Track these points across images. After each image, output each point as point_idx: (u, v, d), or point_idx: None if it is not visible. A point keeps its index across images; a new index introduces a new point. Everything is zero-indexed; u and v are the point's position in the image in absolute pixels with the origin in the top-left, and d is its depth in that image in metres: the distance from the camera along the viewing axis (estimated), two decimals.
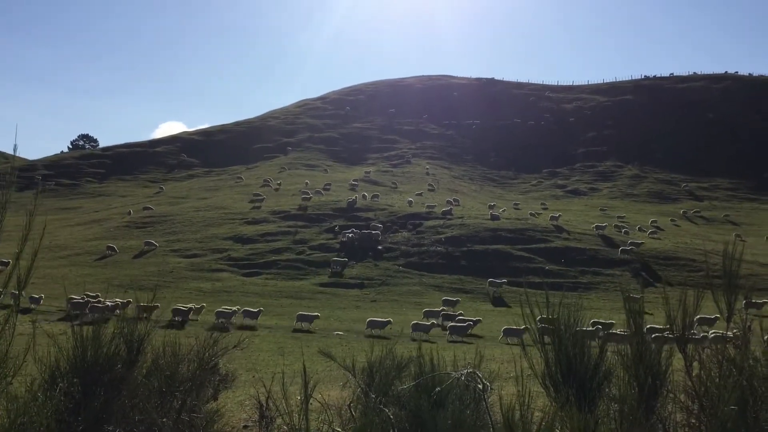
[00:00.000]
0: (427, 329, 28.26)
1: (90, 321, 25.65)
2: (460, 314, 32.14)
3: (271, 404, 4.48)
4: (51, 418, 3.74)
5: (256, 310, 30.40)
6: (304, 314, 29.72)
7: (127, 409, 4.24)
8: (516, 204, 72.96)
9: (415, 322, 29.35)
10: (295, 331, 28.39)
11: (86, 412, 4.01)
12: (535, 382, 3.86)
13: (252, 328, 28.27)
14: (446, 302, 35.91)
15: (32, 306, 30.84)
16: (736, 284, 3.78)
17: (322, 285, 42.59)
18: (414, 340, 26.25)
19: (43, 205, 74.48)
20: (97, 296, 32.12)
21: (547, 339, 3.92)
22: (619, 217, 67.69)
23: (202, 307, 31.81)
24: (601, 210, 73.15)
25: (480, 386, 3.70)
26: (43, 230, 3.75)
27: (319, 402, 4.08)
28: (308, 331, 28.32)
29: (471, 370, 3.82)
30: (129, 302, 29.62)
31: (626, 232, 55.69)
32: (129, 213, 63.70)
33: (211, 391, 5.24)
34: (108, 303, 29.37)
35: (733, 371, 3.39)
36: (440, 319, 31.45)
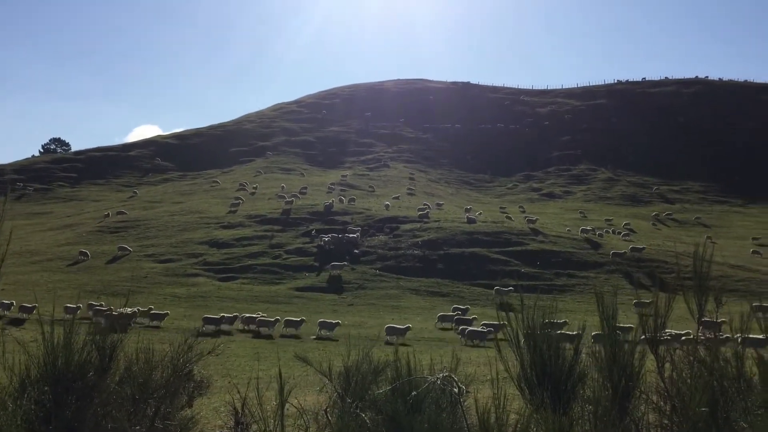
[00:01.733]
0: (402, 332, 28.21)
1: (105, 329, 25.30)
2: (475, 318, 31.92)
3: (246, 410, 4.44)
4: (21, 427, 3.67)
5: (299, 320, 29.68)
6: (326, 322, 29.47)
7: (100, 418, 4.17)
8: (502, 208, 73.20)
9: (390, 325, 29.22)
10: (319, 339, 27.90)
11: (57, 420, 3.94)
12: (511, 384, 3.88)
13: (296, 337, 27.85)
14: (456, 310, 35.13)
15: (4, 312, 30.25)
16: (707, 285, 3.84)
17: (298, 289, 42.41)
18: (390, 343, 26.23)
19: (13, 209, 73.15)
20: (101, 305, 31.42)
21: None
22: (607, 219, 68.60)
23: (235, 316, 30.75)
24: (580, 213, 73.90)
25: (456, 390, 3.71)
26: (9, 235, 3.68)
27: (295, 407, 4.05)
28: (330, 339, 27.86)
29: (447, 374, 3.83)
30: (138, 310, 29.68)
31: (600, 235, 56.31)
32: (107, 215, 62.85)
33: (185, 397, 5.18)
34: (128, 310, 29.27)
35: (704, 372, 3.45)
36: (454, 324, 31.66)
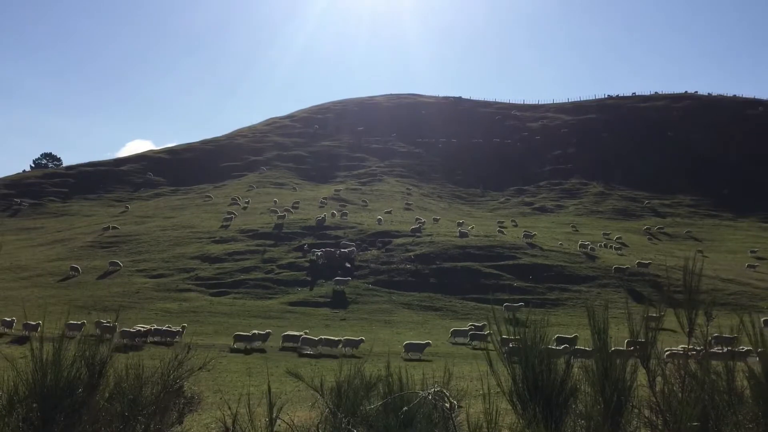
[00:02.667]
0: (421, 348, 28.24)
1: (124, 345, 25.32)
2: (490, 333, 31.73)
3: (237, 427, 4.40)
4: None
5: (358, 339, 29.24)
6: (350, 339, 29.23)
7: None
8: (500, 222, 73.72)
9: (409, 342, 28.86)
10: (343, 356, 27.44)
11: None
12: (503, 399, 3.87)
13: (356, 357, 27.05)
14: (472, 327, 34.90)
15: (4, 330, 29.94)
16: (697, 299, 3.86)
17: (291, 304, 42.26)
18: (411, 360, 26.06)
19: (4, 224, 72.77)
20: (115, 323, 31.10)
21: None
22: (604, 234, 68.76)
23: (268, 333, 30.18)
24: (572, 227, 74.06)
25: (447, 405, 3.70)
26: None
27: (287, 423, 4.03)
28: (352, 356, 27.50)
29: (439, 388, 3.81)
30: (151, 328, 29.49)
31: (593, 249, 56.34)
32: (108, 228, 62.67)
33: (175, 414, 5.14)
34: (169, 327, 29.70)
35: (695, 386, 3.45)
36: (468, 338, 31.78)
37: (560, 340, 27.16)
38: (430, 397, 3.73)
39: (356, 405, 4.09)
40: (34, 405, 3.99)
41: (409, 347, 27.89)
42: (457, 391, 4.65)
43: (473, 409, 4.44)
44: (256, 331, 29.80)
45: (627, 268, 48.85)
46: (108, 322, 29.42)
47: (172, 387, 4.81)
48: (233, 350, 27.77)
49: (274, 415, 3.55)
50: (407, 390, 3.94)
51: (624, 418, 3.62)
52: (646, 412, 3.65)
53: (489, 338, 29.33)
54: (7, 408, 3.97)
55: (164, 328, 30.53)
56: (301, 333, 30.07)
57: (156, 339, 29.84)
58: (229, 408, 4.38)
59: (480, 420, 3.37)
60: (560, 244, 57.15)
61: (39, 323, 29.53)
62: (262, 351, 28.35)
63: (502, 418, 3.55)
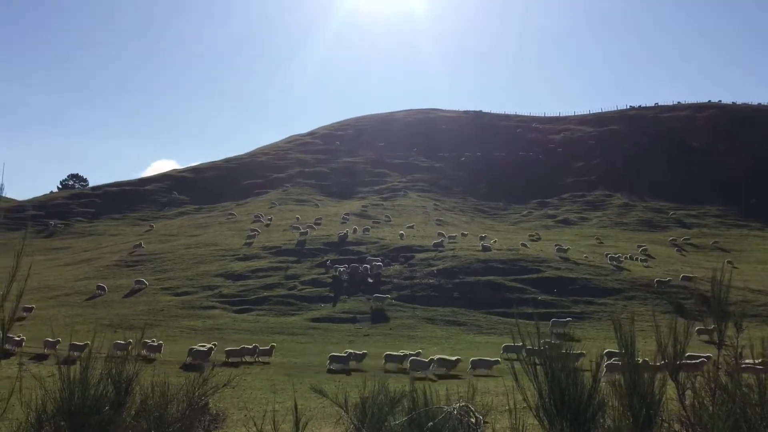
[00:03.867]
0: (400, 360, 28.41)
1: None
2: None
3: None
4: None
5: (454, 359, 28.02)
6: (392, 354, 29.05)
7: None
8: (531, 235, 74.31)
9: (439, 356, 28.45)
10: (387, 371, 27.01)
11: None
12: (529, 414, 3.83)
13: (455, 377, 25.83)
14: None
15: (14, 349, 30.20)
16: (726, 311, 3.79)
17: (314, 320, 42.29)
18: (387, 371, 25.95)
19: (32, 245, 74.00)
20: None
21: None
22: (640, 246, 67.66)
23: (364, 354, 29.46)
24: (597, 240, 73.29)
25: (473, 420, 3.66)
26: (29, 270, 3.73)
27: None
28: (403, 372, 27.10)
29: (464, 403, 3.79)
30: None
31: (621, 260, 55.39)
32: (139, 245, 63.65)
33: (201, 431, 5.16)
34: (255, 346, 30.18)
35: (726, 399, 3.38)
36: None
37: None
38: (455, 412, 3.70)
39: (381, 421, 4.07)
40: (62, 423, 4.03)
41: (477, 363, 27.24)
42: (483, 406, 4.60)
43: (499, 424, 4.40)
44: (351, 351, 29.03)
45: (669, 280, 47.67)
46: (203, 346, 30.32)
47: (197, 404, 4.84)
48: (330, 371, 27.18)
49: (301, 430, 3.54)
50: (432, 405, 3.91)
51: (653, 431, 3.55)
52: (676, 426, 3.58)
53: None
54: (35, 426, 4.02)
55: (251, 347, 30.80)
56: (413, 352, 28.83)
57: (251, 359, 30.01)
58: (255, 424, 4.39)
59: None
60: (585, 256, 56.56)
61: (23, 338, 30.34)
62: (360, 371, 27.75)
63: None
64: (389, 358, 28.49)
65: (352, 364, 27.99)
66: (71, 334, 31.90)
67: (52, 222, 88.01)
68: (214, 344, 31.13)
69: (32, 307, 41.81)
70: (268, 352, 30.45)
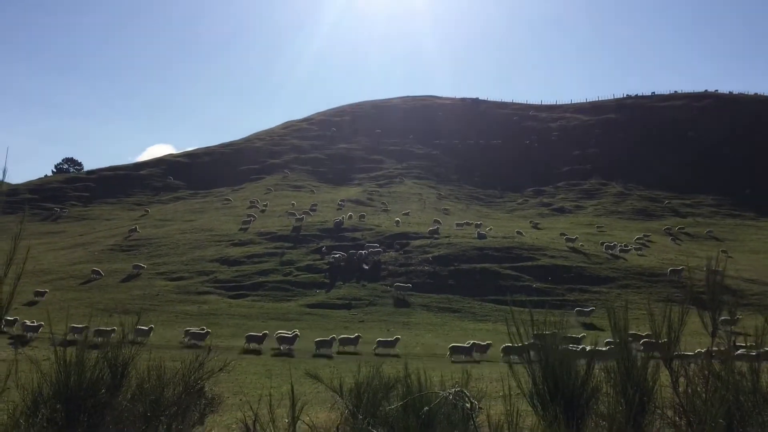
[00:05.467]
0: (392, 344, 28.93)
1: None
2: (584, 336, 29.80)
3: (258, 427, 4.42)
4: None
5: (486, 342, 28.11)
6: (384, 340, 29.63)
7: None
8: (534, 223, 75.27)
9: (454, 344, 28.27)
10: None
11: None
12: (523, 400, 3.85)
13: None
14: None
15: (28, 334, 30.16)
16: (720, 299, 3.81)
17: (309, 306, 42.36)
18: (378, 355, 26.01)
19: (27, 229, 73.72)
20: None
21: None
22: (646, 235, 67.41)
23: (396, 339, 29.98)
24: (597, 228, 73.59)
25: (468, 405, 3.69)
26: (26, 254, 3.72)
27: (307, 424, 4.04)
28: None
29: (459, 389, 3.81)
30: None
31: (609, 248, 55.46)
32: (135, 229, 63.26)
33: (197, 415, 5.18)
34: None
35: (719, 386, 3.41)
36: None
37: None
38: (450, 397, 3.72)
39: (376, 406, 4.09)
40: (58, 406, 4.04)
41: (508, 350, 24.93)
42: (477, 391, 4.62)
43: (493, 410, 4.42)
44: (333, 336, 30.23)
45: (682, 269, 46.55)
46: (201, 329, 30.71)
47: (193, 388, 4.85)
48: (317, 355, 27.92)
49: (296, 414, 3.56)
50: (426, 391, 3.93)
51: (646, 418, 3.58)
52: (669, 413, 3.61)
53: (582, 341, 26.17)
54: (32, 409, 4.03)
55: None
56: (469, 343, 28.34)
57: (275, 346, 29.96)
58: (251, 408, 4.41)
59: (501, 421, 3.35)
60: (581, 245, 56.67)
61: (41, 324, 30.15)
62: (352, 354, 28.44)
63: (523, 420, 3.53)
64: (379, 344, 29.10)
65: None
66: (67, 318, 31.88)
67: (56, 207, 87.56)
68: (265, 332, 30.62)
69: (45, 292, 41.70)
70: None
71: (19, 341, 28.97)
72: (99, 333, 25.25)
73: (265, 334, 29.75)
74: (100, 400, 4.16)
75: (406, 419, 3.61)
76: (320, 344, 28.99)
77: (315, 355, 28.05)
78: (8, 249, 3.44)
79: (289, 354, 28.27)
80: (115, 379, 4.37)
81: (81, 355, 4.24)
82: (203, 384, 5.10)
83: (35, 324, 30.38)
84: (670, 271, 47.17)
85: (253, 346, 29.12)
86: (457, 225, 64.31)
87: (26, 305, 38.73)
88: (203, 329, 31.27)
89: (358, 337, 29.99)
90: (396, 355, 27.00)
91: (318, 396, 11.43)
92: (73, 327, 26.79)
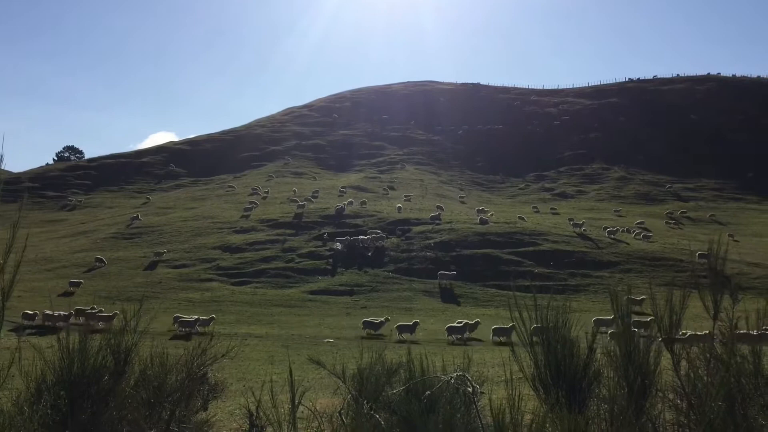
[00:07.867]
0: (412, 330, 29.27)
1: None
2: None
3: (261, 413, 4.45)
4: None
5: (474, 321, 30.08)
6: (404, 325, 29.91)
7: (115, 421, 4.19)
8: (535, 208, 75.30)
9: (401, 324, 29.76)
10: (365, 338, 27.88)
11: (73, 425, 3.97)
12: (525, 385, 3.86)
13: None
14: None
15: (24, 322, 30.13)
16: (722, 282, 3.81)
17: (311, 293, 42.47)
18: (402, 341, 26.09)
19: (29, 217, 73.83)
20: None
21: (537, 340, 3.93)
22: (638, 223, 67.34)
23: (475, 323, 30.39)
24: (615, 212, 74.36)
25: (470, 389, 3.70)
26: (25, 241, 3.71)
27: (309, 409, 4.05)
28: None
29: (461, 373, 3.81)
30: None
31: (610, 233, 55.47)
32: (137, 217, 63.33)
33: (200, 401, 5.21)
34: None
35: (720, 369, 3.41)
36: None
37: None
38: (452, 382, 3.73)
39: (378, 390, 4.10)
40: (62, 392, 4.06)
41: (497, 331, 28.01)
42: (479, 376, 4.64)
43: (495, 395, 4.44)
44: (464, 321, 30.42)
45: (709, 253, 45.78)
46: (377, 320, 31.20)
47: (196, 374, 4.87)
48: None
49: (297, 401, 3.57)
50: (428, 375, 3.94)
51: (648, 401, 3.59)
52: (671, 396, 3.62)
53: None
54: (35, 396, 4.05)
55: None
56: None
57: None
58: (253, 395, 4.43)
59: (503, 405, 3.36)
60: (584, 230, 56.67)
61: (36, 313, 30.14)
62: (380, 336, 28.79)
63: (525, 404, 3.54)
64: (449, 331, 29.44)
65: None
66: (70, 306, 32.01)
67: (71, 198, 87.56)
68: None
69: (80, 282, 41.79)
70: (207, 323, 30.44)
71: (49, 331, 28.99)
72: (101, 319, 25.29)
73: (416, 323, 30.01)
74: (103, 386, 4.18)
75: (408, 403, 3.63)
76: (402, 329, 29.52)
77: (397, 341, 27.92)
78: (7, 237, 3.44)
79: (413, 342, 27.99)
80: (119, 365, 4.38)
81: (84, 342, 4.26)
82: (206, 370, 5.12)
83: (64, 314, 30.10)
84: (698, 254, 43.68)
85: (405, 336, 29.24)
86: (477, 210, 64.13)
87: (61, 296, 38.92)
88: (193, 317, 31.22)
89: (416, 324, 30.10)
90: (416, 342, 27.08)
91: (321, 382, 11.48)
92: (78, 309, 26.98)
